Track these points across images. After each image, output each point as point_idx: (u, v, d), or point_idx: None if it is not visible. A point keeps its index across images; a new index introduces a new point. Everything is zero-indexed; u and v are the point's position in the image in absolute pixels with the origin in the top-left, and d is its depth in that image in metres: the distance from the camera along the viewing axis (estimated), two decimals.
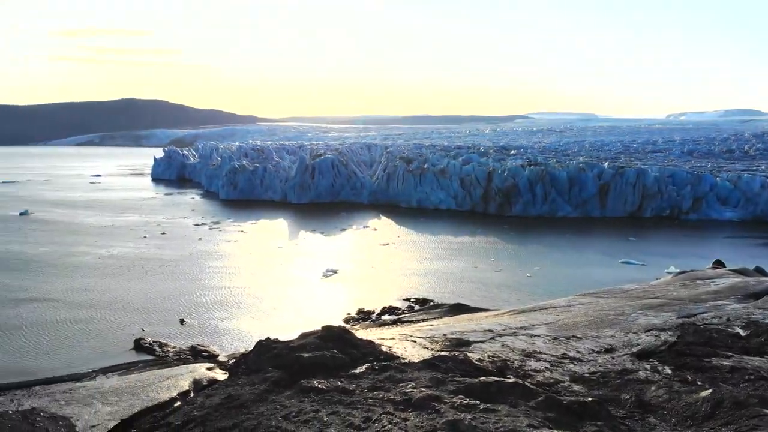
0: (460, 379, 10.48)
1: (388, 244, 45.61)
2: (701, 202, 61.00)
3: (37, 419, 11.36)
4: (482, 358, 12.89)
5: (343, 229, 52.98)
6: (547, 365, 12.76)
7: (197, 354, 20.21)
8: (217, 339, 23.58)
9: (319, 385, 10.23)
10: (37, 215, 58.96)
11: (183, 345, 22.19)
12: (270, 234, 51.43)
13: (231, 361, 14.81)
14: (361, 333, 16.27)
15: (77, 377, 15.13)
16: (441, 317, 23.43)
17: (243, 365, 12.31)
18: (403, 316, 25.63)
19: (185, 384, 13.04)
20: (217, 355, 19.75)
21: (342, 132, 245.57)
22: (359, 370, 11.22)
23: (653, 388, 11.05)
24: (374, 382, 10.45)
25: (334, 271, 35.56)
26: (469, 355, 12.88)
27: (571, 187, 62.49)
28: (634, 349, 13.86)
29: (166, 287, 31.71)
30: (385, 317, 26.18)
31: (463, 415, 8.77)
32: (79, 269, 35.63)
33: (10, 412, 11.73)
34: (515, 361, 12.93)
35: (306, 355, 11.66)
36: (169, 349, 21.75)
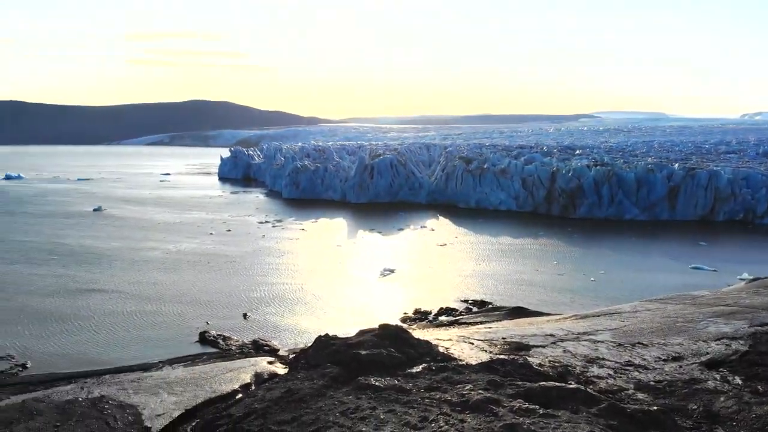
0: (519, 383, 10.27)
1: (445, 244, 45.38)
2: None
3: (106, 407, 11.88)
4: (542, 363, 12.61)
5: (401, 229, 53.09)
6: (611, 372, 12.36)
7: (259, 348, 20.69)
8: (278, 334, 24.13)
9: (377, 383, 10.26)
10: (110, 211, 62.02)
11: (246, 339, 22.83)
12: (329, 233, 52.16)
13: (291, 356, 15.06)
14: (418, 333, 16.20)
15: (145, 367, 15.72)
16: (500, 320, 23.04)
17: (302, 360, 12.49)
18: (460, 317, 25.37)
19: (247, 377, 13.39)
20: (278, 350, 20.13)
21: (401, 132, 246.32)
22: (416, 369, 11.19)
23: (722, 399, 10.57)
24: (431, 383, 10.39)
25: (392, 271, 35.69)
26: (529, 359, 12.63)
27: (639, 188, 60.31)
28: (703, 358, 13.24)
29: (230, 282, 32.70)
30: (442, 318, 26.03)
31: (521, 419, 8.60)
32: (148, 263, 37.23)
33: (80, 399, 12.32)
34: (577, 367, 12.58)
35: (363, 352, 11.73)
36: (232, 342, 22.43)
